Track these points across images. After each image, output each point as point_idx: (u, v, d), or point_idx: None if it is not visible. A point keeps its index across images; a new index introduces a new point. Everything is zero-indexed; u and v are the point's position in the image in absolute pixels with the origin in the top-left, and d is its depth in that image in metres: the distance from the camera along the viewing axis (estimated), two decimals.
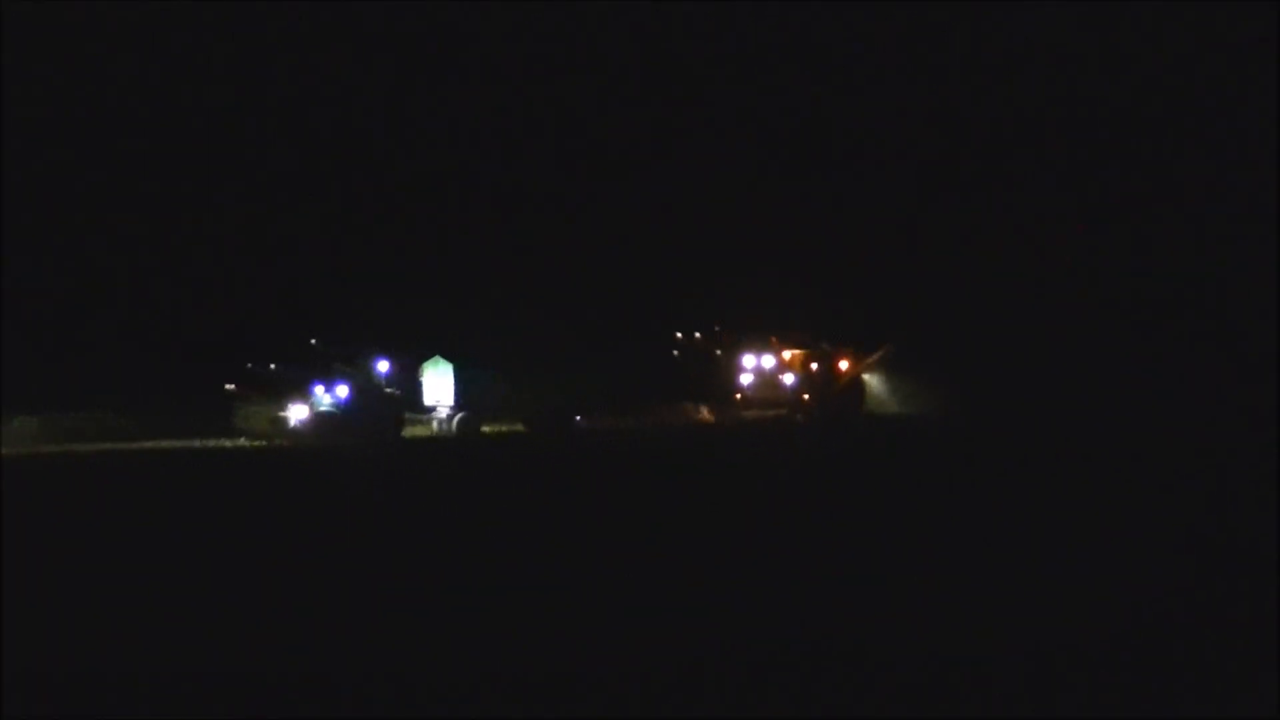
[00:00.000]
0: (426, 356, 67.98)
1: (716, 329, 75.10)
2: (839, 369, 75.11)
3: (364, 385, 65.51)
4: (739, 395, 74.34)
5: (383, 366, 66.06)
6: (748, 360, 74.66)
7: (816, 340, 75.57)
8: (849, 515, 32.56)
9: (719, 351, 74.56)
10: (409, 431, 66.87)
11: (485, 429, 67.89)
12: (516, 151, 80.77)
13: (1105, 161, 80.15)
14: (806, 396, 74.12)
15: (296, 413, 64.30)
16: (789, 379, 74.65)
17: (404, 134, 79.29)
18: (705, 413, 74.24)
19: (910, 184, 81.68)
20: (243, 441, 63.32)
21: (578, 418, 68.51)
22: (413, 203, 77.25)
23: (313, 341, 66.16)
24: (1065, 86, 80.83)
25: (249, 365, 65.45)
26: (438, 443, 64.84)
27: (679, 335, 74.52)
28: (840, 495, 37.19)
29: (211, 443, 63.04)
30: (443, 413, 67.67)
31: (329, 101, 78.85)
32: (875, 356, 74.60)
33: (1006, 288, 76.14)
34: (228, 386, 64.94)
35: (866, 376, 75.51)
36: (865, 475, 43.16)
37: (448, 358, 67.89)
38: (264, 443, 62.82)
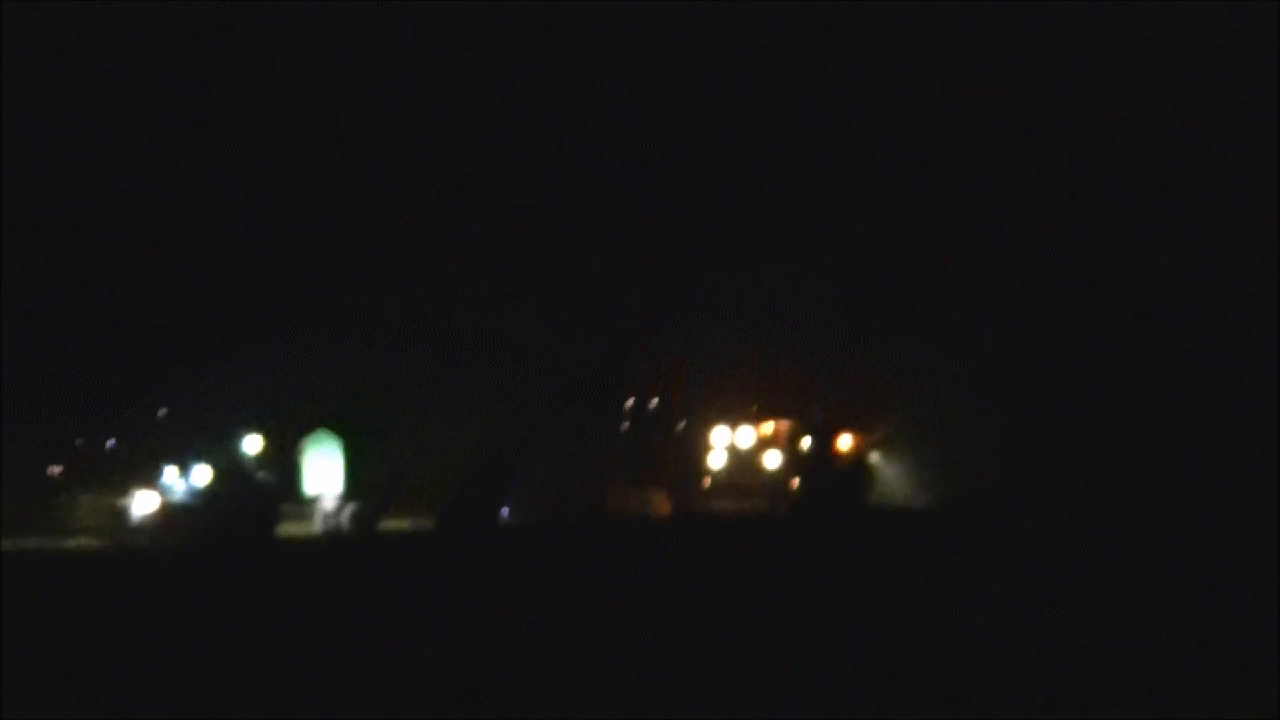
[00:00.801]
0: (307, 431, 54.47)
1: (675, 390, 61.12)
2: (837, 447, 60.42)
3: (228, 468, 52.05)
4: (706, 480, 60.03)
5: (251, 445, 52.61)
6: (718, 435, 60.39)
7: (806, 407, 60.96)
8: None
9: (681, 423, 60.65)
10: (283, 529, 53.55)
11: (384, 524, 54.41)
12: (421, 158, 66.82)
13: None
14: (794, 483, 59.53)
15: (141, 503, 50.68)
16: (771, 459, 60.37)
17: (278, 145, 65.28)
18: (659, 503, 60.26)
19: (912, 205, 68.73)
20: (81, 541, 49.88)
21: (504, 510, 55.18)
22: (288, 227, 62.80)
23: (162, 412, 52.72)
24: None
25: (78, 442, 52.07)
26: (324, 546, 51.50)
27: (630, 401, 60.74)
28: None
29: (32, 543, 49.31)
30: (328, 504, 54.19)
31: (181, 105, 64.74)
32: (882, 431, 60.09)
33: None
34: (50, 470, 51.45)
35: (871, 456, 60.82)
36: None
37: (335, 432, 54.41)
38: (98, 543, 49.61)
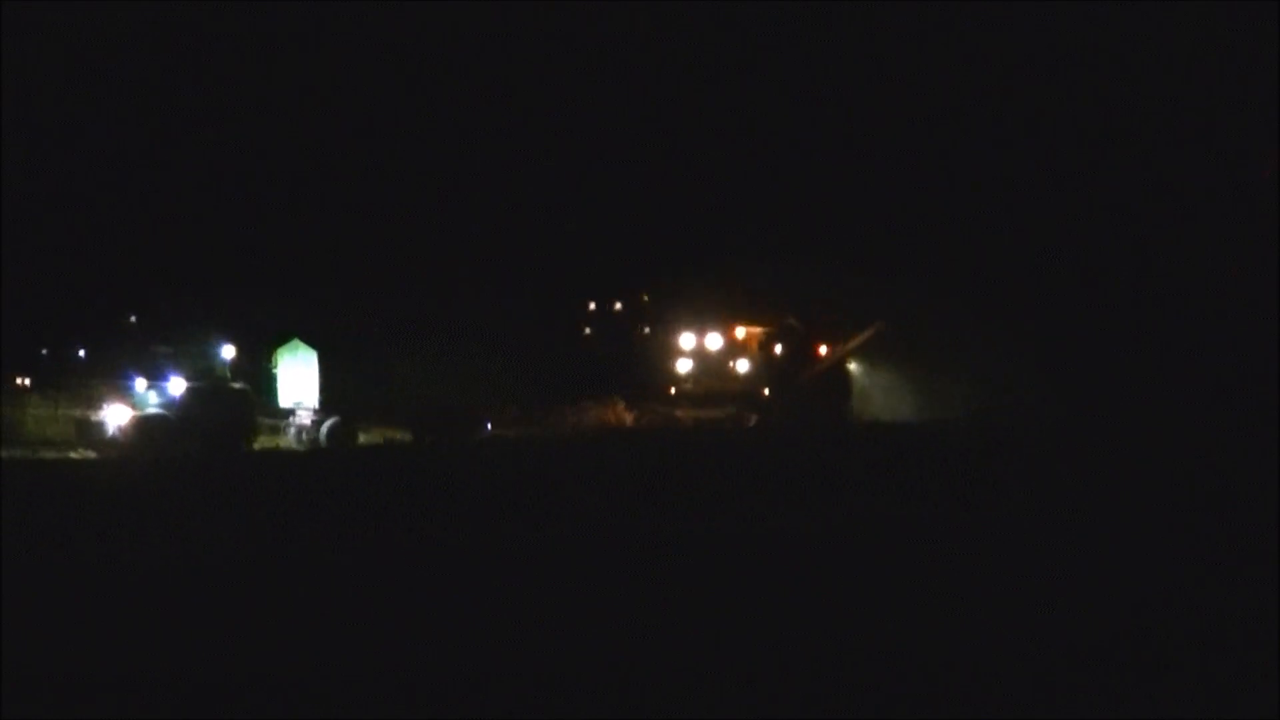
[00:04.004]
0: (282, 341, 52.02)
1: (644, 297, 59.03)
2: (814, 353, 57.22)
3: (201, 379, 49.44)
4: (672, 389, 56.29)
5: (226, 353, 49.94)
6: (686, 340, 56.08)
7: (781, 314, 57.37)
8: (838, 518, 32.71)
9: (646, 328, 58.22)
10: (258, 443, 50.98)
11: (361, 438, 52.06)
12: (389, 86, 64.72)
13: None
14: (766, 391, 56.29)
15: (113, 415, 48.10)
16: (742, 366, 56.51)
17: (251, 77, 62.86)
18: (621, 413, 57.47)
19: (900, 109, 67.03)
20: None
21: (488, 425, 52.80)
22: (265, 147, 60.32)
23: (132, 319, 50.35)
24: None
25: (43, 351, 49.91)
26: (302, 460, 48.92)
27: (592, 305, 58.03)
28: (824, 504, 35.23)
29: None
30: (304, 417, 51.72)
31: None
32: (862, 338, 57.74)
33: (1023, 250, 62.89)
34: (18, 380, 49.31)
35: (851, 365, 59.27)
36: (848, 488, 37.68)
37: (309, 342, 51.87)
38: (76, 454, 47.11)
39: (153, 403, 48.72)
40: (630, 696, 18.49)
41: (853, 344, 56.48)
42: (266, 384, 51.59)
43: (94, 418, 48.28)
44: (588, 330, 57.71)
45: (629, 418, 55.34)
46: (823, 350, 56.55)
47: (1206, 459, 41.06)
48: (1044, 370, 55.70)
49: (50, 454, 46.89)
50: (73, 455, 47.48)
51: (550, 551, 30.13)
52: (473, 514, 34.91)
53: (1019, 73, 67.44)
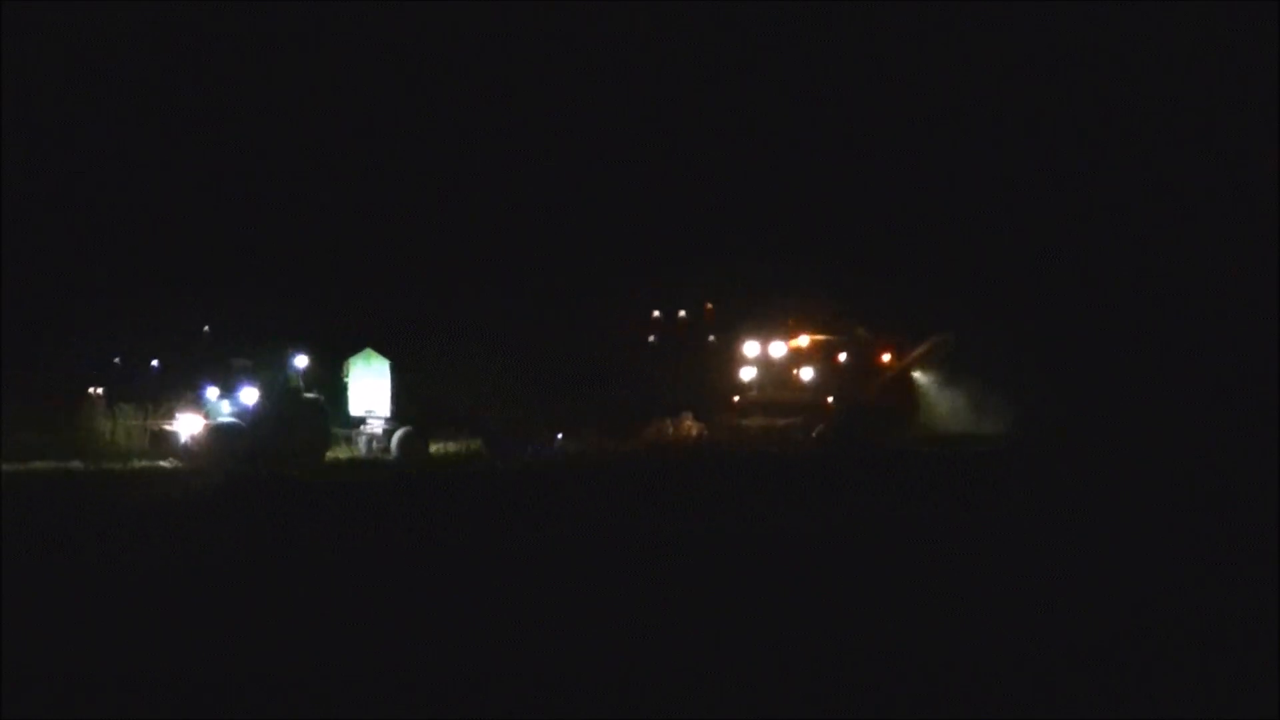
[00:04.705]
0: (353, 351, 51.53)
1: (708, 305, 58.01)
2: (879, 362, 55.93)
3: (275, 389, 49.01)
4: (736, 398, 55.25)
5: (300, 362, 49.47)
6: (750, 348, 55.20)
7: (847, 323, 56.09)
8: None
9: (711, 337, 57.87)
10: (330, 453, 50.49)
11: (433, 449, 51.53)
12: (458, 103, 64.25)
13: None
14: (830, 400, 54.88)
15: (186, 425, 47.70)
16: (807, 374, 55.29)
17: (319, 87, 62.54)
18: (688, 425, 56.64)
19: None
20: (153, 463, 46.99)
21: (559, 436, 52.13)
22: (338, 157, 59.94)
23: (205, 329, 50.04)
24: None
25: (116, 360, 49.61)
26: (377, 469, 48.39)
27: (656, 314, 57.32)
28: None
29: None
30: (375, 426, 51.18)
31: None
32: (926, 347, 55.77)
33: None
34: (91, 390, 48.73)
35: (917, 375, 56.28)
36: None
37: (382, 352, 51.38)
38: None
39: (225, 412, 48.44)
40: (630, 696, 18.45)
41: (918, 353, 55.65)
42: (338, 393, 51.28)
43: (167, 427, 48.02)
44: (652, 339, 57.18)
45: (695, 430, 54.69)
46: (887, 359, 55.67)
47: (1206, 459, 41.24)
48: (1070, 377, 55.04)
49: (116, 465, 46.52)
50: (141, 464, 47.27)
51: (550, 551, 29.86)
52: (479, 519, 34.96)
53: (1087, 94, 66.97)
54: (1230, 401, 54.86)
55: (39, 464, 45.16)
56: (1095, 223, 65.43)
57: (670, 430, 54.96)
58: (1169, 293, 64.71)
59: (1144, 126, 69.36)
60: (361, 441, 51.66)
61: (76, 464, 45.63)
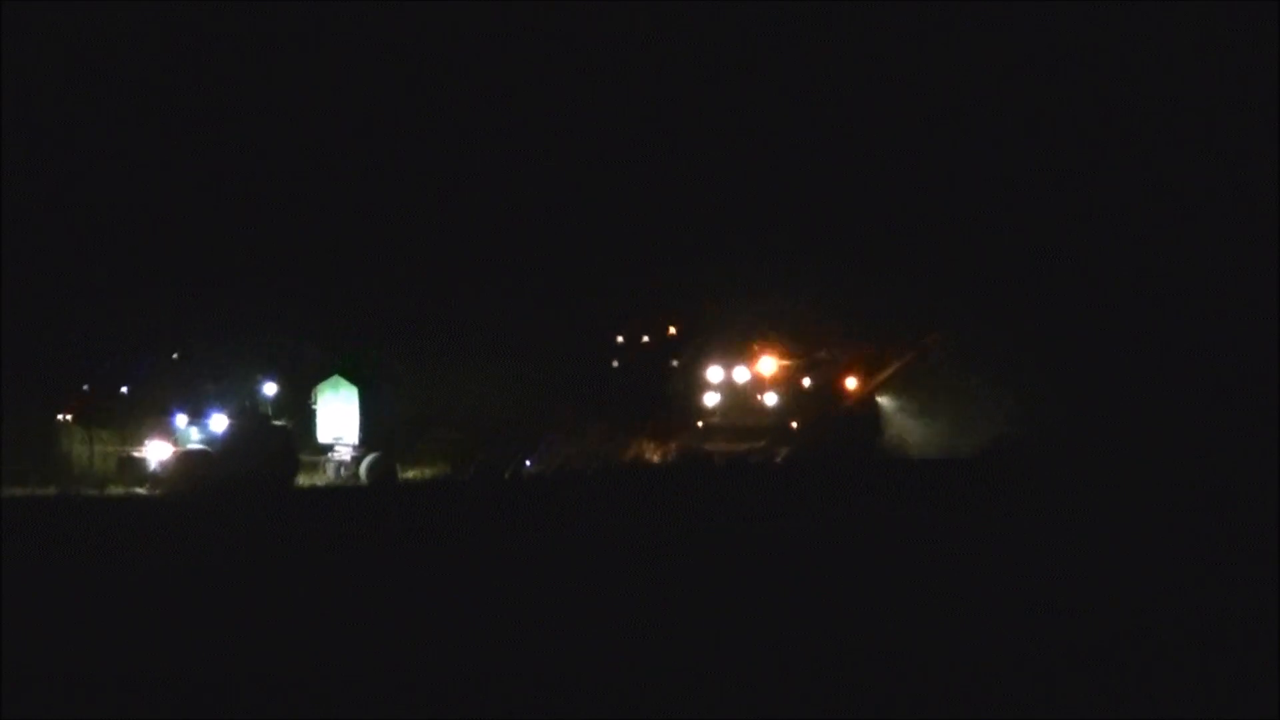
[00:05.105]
0: (322, 377, 51.81)
1: (671, 330, 58.88)
2: (843, 386, 56.78)
3: (244, 415, 49.25)
4: (700, 422, 55.58)
5: (268, 389, 49.76)
6: (713, 373, 55.53)
7: (811, 347, 56.33)
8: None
9: (674, 361, 57.96)
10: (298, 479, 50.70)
11: (403, 474, 51.76)
12: (426, 109, 63.97)
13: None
14: (795, 424, 55.32)
15: (155, 451, 47.89)
16: (770, 399, 55.69)
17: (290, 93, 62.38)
18: (648, 449, 56.80)
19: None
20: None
21: (526, 461, 52.43)
22: (312, 184, 59.81)
23: (174, 356, 50.15)
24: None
25: (85, 388, 49.49)
26: (344, 495, 48.52)
27: (620, 338, 57.52)
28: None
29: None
30: (344, 452, 51.50)
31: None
32: (892, 370, 56.77)
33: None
34: (59, 416, 48.85)
35: (881, 399, 56.36)
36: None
37: (350, 378, 51.65)
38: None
39: (195, 439, 48.78)
40: (630, 696, 18.52)
41: (883, 376, 55.85)
42: (306, 420, 51.57)
43: (136, 454, 48.31)
44: (615, 363, 57.35)
45: (656, 453, 54.87)
46: (852, 383, 55.84)
47: (1206, 459, 41.00)
48: (1063, 387, 55.19)
49: (89, 491, 46.47)
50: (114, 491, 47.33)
51: (550, 552, 30.16)
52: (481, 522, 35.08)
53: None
54: (1230, 401, 54.81)
55: (18, 490, 45.40)
56: (1095, 223, 65.53)
57: (633, 453, 55.23)
58: (1169, 293, 64.82)
59: (1144, 126, 69.14)
60: (330, 468, 51.98)
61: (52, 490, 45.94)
